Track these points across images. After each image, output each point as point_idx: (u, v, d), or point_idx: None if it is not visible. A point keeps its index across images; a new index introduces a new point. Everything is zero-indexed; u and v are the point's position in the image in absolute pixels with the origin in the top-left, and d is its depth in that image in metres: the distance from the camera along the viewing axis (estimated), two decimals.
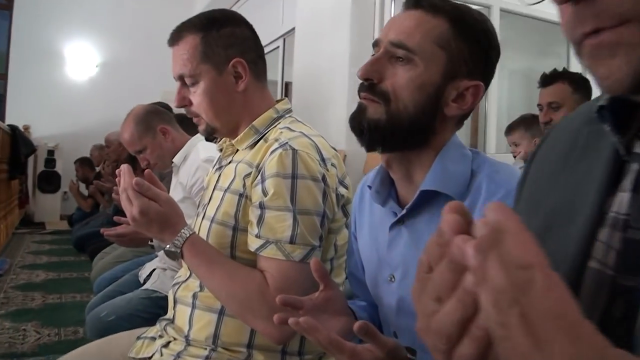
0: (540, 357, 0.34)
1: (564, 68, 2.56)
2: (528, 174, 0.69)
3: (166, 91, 7.40)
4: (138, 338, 1.48)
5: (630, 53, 0.45)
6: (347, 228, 1.34)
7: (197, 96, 1.36)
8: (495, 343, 0.36)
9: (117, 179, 1.27)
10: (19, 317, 3.44)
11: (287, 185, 1.20)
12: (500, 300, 0.35)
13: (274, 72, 6.13)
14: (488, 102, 4.60)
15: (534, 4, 0.71)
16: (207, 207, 1.38)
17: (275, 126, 1.37)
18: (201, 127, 1.41)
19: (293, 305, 0.96)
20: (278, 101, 1.45)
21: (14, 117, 7.14)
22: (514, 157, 3.10)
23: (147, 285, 2.35)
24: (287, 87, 6.35)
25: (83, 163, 7.16)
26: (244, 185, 1.28)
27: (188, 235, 1.23)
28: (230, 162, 1.40)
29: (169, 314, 1.42)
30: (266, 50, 1.64)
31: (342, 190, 1.30)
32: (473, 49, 0.97)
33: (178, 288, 1.40)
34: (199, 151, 2.35)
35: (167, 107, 2.85)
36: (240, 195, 1.28)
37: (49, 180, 7.97)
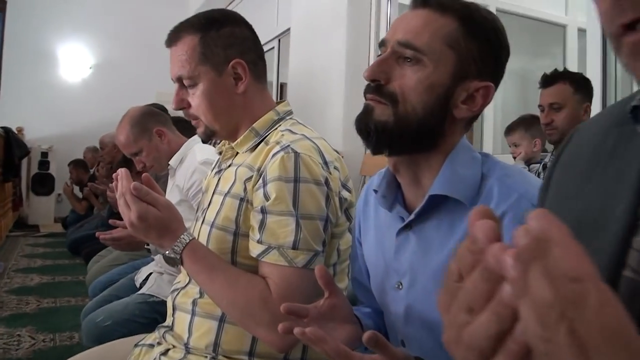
0: None
1: (564, 68, 2.54)
2: (552, 178, 0.66)
3: (160, 92, 7.39)
4: (136, 345, 1.45)
5: None
6: (350, 232, 1.32)
7: (195, 98, 1.33)
8: (536, 359, 0.34)
9: (114, 183, 1.24)
10: (13, 322, 3.40)
11: (290, 189, 1.18)
12: (546, 314, 0.32)
13: (268, 73, 6.04)
14: None
15: None
16: (206, 211, 1.35)
17: (276, 128, 1.34)
18: (200, 130, 1.37)
19: (298, 314, 0.93)
20: (278, 103, 1.42)
21: (7, 119, 7.08)
22: (514, 158, 3.08)
23: (143, 290, 2.32)
24: (282, 88, 6.32)
25: (77, 165, 7.12)
26: (245, 189, 1.25)
27: (188, 241, 1.20)
28: (230, 166, 1.37)
29: (168, 321, 1.38)
30: None
31: (345, 193, 1.28)
32: (483, 49, 0.94)
33: (177, 294, 1.36)
34: (195, 153, 2.32)
35: (162, 109, 2.82)
36: (241, 200, 1.25)
37: (43, 183, 7.94)
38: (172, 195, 2.26)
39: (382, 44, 0.99)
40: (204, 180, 1.59)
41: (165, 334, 1.35)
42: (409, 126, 0.93)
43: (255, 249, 1.20)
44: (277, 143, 1.25)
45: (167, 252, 1.21)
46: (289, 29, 5.19)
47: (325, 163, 1.24)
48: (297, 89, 4.83)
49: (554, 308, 0.32)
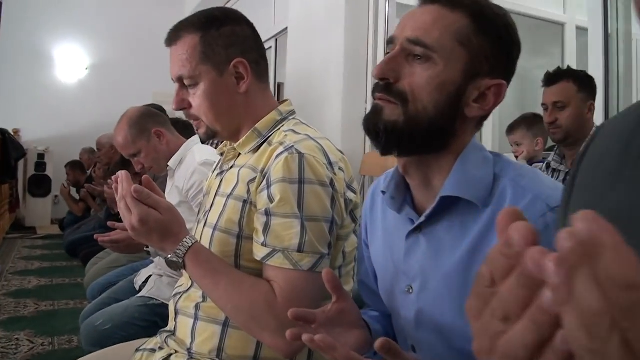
0: None
1: (568, 66, 2.51)
2: (576, 179, 0.64)
3: (157, 93, 7.38)
4: (137, 350, 1.42)
5: None
6: (356, 234, 1.29)
7: (196, 98, 1.30)
8: None
9: (114, 186, 1.21)
10: (11, 326, 3.37)
11: (294, 190, 1.15)
12: (595, 324, 0.30)
13: None
14: None
15: None
16: (208, 213, 1.32)
17: (279, 129, 1.31)
18: (201, 131, 1.35)
19: (305, 320, 0.90)
20: (281, 102, 1.39)
21: (4, 120, 7.05)
22: (516, 157, 3.06)
23: (143, 293, 2.30)
24: (279, 88, 6.30)
25: (74, 166, 7.09)
26: (249, 191, 1.22)
27: (190, 244, 1.17)
28: (232, 167, 1.35)
29: (170, 326, 1.36)
30: None
31: (350, 195, 1.25)
32: (495, 46, 0.92)
33: (179, 298, 1.34)
34: (195, 154, 2.30)
35: (160, 109, 2.80)
36: (245, 202, 1.22)
37: (40, 184, 7.91)
38: (171, 196, 2.24)
39: (390, 41, 0.96)
40: (205, 181, 1.56)
41: (168, 339, 1.32)
42: (420, 126, 0.91)
43: (259, 252, 1.17)
44: (281, 144, 1.22)
45: (169, 255, 1.18)
46: (286, 29, 5.15)
47: (330, 164, 1.21)
48: (295, 89, 4.80)
49: (605, 317, 0.30)
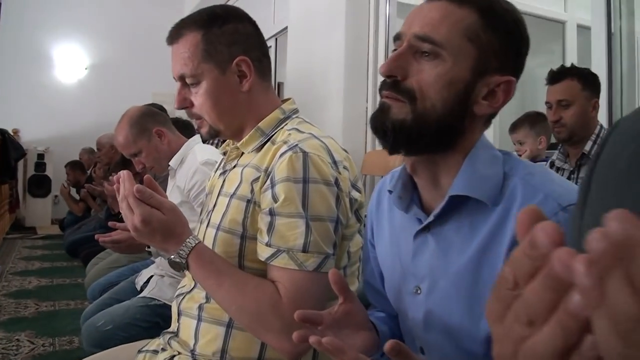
0: None
1: (572, 64, 2.50)
2: (593, 177, 0.62)
3: (156, 93, 7.38)
4: (139, 351, 1.41)
5: None
6: (360, 234, 1.28)
7: (199, 97, 1.28)
8: None
9: (115, 186, 1.20)
10: (12, 327, 3.35)
11: (299, 190, 1.13)
12: (630, 329, 0.29)
13: None
14: None
15: None
16: (211, 213, 1.30)
17: (282, 127, 1.30)
18: (204, 130, 1.33)
19: (312, 322, 0.89)
20: (284, 101, 1.38)
21: (3, 121, 7.02)
22: (519, 156, 3.04)
23: (144, 293, 2.29)
24: (279, 88, 6.28)
25: (74, 166, 7.08)
26: (252, 190, 1.21)
27: (194, 244, 1.16)
28: (235, 166, 1.33)
29: (173, 327, 1.34)
30: None
31: (355, 194, 1.24)
32: (504, 41, 0.90)
33: (182, 299, 1.32)
34: (196, 154, 2.28)
35: (161, 109, 2.78)
36: (248, 202, 1.21)
37: (40, 184, 7.91)
38: (173, 196, 2.22)
39: (397, 37, 0.94)
40: (207, 181, 1.55)
41: (171, 340, 1.31)
42: (428, 124, 0.89)
43: (263, 253, 1.16)
44: (285, 142, 1.21)
45: (172, 256, 1.17)
46: (286, 28, 5.14)
47: (335, 163, 1.20)
48: (295, 89, 4.78)
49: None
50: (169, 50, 1.31)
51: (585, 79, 2.39)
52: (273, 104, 1.34)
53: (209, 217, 1.31)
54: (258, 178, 1.20)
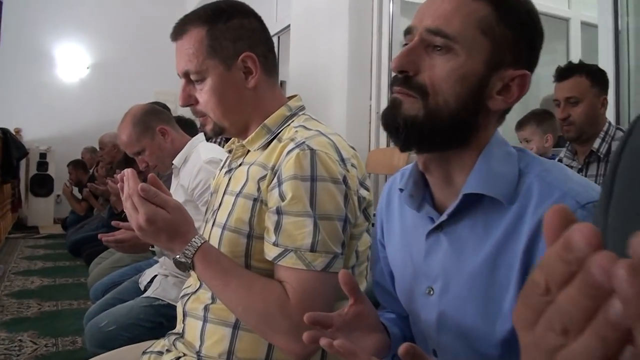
0: None
1: (580, 60, 2.47)
2: (616, 174, 0.60)
3: (159, 92, 7.37)
4: (144, 353, 1.39)
5: None
6: (369, 233, 1.25)
7: (203, 94, 1.26)
8: None
9: (119, 184, 1.18)
10: (14, 327, 3.33)
11: (306, 188, 1.11)
12: None
13: None
14: None
15: None
16: (217, 213, 1.28)
17: (289, 124, 1.27)
18: (209, 127, 1.30)
19: (322, 324, 0.86)
20: (289, 98, 1.35)
21: (5, 120, 7.01)
22: None
23: (148, 293, 2.27)
24: (281, 86, 6.25)
25: (76, 166, 7.07)
26: (259, 189, 1.18)
27: (199, 244, 1.13)
28: (240, 165, 1.31)
29: (178, 328, 1.32)
30: None
31: (363, 192, 1.21)
32: (518, 34, 0.87)
33: (187, 300, 1.30)
34: (200, 152, 2.26)
35: (164, 107, 2.76)
36: (255, 200, 1.18)
37: (42, 184, 7.91)
38: (176, 195, 2.20)
39: (408, 31, 0.92)
40: (211, 179, 1.52)
41: (176, 342, 1.29)
42: (441, 120, 0.86)
43: (271, 252, 1.13)
44: (292, 140, 1.18)
45: (177, 256, 1.14)
46: (288, 26, 5.12)
47: (342, 160, 1.17)
48: (297, 87, 4.75)
49: None
50: (171, 49, 1.29)
51: (594, 75, 2.36)
52: (279, 100, 1.32)
53: (214, 216, 1.29)
54: (265, 176, 1.18)
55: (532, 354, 0.35)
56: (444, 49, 0.86)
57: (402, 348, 0.71)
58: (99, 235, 2.01)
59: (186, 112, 4.00)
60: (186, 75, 1.27)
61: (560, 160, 2.53)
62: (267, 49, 1.31)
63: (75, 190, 6.98)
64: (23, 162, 7.49)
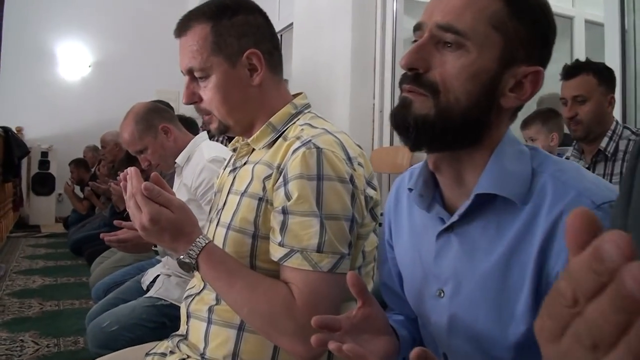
0: None
1: (587, 58, 2.44)
2: (635, 174, 0.58)
3: (160, 90, 7.36)
4: (147, 354, 1.37)
5: None
6: (375, 233, 1.23)
7: (208, 91, 1.24)
8: None
9: (122, 183, 1.15)
10: (16, 327, 3.31)
11: (313, 187, 1.09)
12: None
13: None
14: None
15: None
16: (221, 212, 1.26)
17: (294, 123, 1.25)
18: (213, 126, 1.28)
19: (330, 327, 0.84)
20: (295, 95, 1.33)
21: (6, 118, 7.00)
22: None
23: (151, 293, 2.25)
24: None
25: (78, 164, 7.07)
26: (264, 188, 1.16)
27: (204, 244, 1.11)
28: (245, 163, 1.29)
29: (182, 329, 1.30)
30: None
31: (370, 191, 1.19)
32: (530, 29, 0.85)
33: (191, 301, 1.28)
34: (203, 151, 2.24)
35: (167, 106, 2.74)
36: (260, 200, 1.16)
37: (43, 183, 7.92)
38: (179, 194, 2.17)
39: (417, 27, 0.89)
40: (214, 178, 1.50)
41: (180, 343, 1.27)
42: (452, 119, 0.84)
43: (276, 253, 1.11)
44: (297, 138, 1.16)
45: (181, 256, 1.12)
46: (291, 24, 5.09)
47: (349, 159, 1.15)
48: (300, 86, 4.71)
49: None
50: (173, 48, 1.27)
51: (601, 73, 2.34)
52: (284, 98, 1.30)
53: (218, 216, 1.27)
54: (270, 175, 1.16)
55: None
56: (455, 45, 0.83)
57: (414, 353, 0.69)
58: (101, 235, 1.99)
59: (187, 111, 4.00)
60: (190, 72, 1.25)
61: (567, 159, 2.51)
62: (273, 46, 1.29)
63: (77, 189, 6.97)
64: (25, 161, 7.50)
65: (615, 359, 0.29)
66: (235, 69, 1.23)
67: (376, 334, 0.90)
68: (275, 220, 1.12)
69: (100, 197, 5.94)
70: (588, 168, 2.42)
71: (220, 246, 1.18)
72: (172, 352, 1.29)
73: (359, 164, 1.18)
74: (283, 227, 1.10)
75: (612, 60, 2.74)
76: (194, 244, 1.11)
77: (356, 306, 0.89)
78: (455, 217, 0.89)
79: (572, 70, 2.38)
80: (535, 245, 0.80)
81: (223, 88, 1.23)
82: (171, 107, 2.77)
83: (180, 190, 2.22)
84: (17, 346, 2.99)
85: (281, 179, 1.13)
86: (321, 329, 0.83)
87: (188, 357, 1.24)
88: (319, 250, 1.08)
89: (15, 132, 7.10)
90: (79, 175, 6.97)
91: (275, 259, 1.12)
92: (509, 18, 0.84)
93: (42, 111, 8.03)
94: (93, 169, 6.80)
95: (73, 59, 8.42)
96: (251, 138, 1.26)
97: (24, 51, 7.98)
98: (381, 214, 1.21)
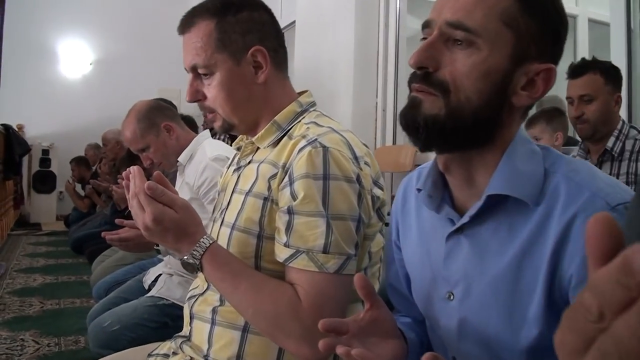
0: None
1: (593, 57, 2.42)
2: None
3: (162, 89, 7.34)
4: (149, 355, 1.35)
5: None
6: (382, 233, 1.21)
7: (212, 89, 1.22)
8: None
9: (124, 182, 1.14)
10: (16, 326, 3.29)
11: (319, 187, 1.07)
12: None
13: None
14: None
15: None
16: (225, 212, 1.24)
17: (300, 121, 1.23)
18: (217, 124, 1.26)
19: (337, 331, 0.82)
20: (300, 93, 1.31)
21: (8, 116, 7.00)
22: None
23: (152, 292, 2.23)
24: None
25: (79, 162, 7.06)
26: (269, 187, 1.14)
27: (208, 244, 1.09)
28: (250, 162, 1.27)
29: (185, 330, 1.28)
30: None
31: (377, 191, 1.17)
32: (542, 26, 0.82)
33: (194, 302, 1.26)
34: (205, 149, 2.22)
35: (169, 104, 2.72)
36: (265, 199, 1.14)
37: (44, 180, 7.91)
38: (181, 193, 2.15)
39: (426, 25, 0.87)
40: (217, 177, 1.48)
41: (183, 345, 1.25)
42: (463, 119, 0.82)
43: (282, 253, 1.09)
44: (303, 137, 1.14)
45: (185, 257, 1.10)
46: (293, 22, 5.08)
47: (356, 158, 1.13)
48: (302, 85, 4.67)
49: None
50: (175, 46, 1.25)
51: (608, 72, 2.32)
52: (289, 96, 1.28)
53: (222, 215, 1.25)
54: (275, 175, 1.14)
55: None
56: (465, 43, 0.81)
57: (425, 358, 0.67)
58: (103, 234, 1.97)
59: (187, 110, 3.98)
60: (194, 69, 1.23)
61: None
62: (278, 43, 1.27)
63: (78, 187, 6.97)
64: (25, 159, 7.49)
65: None
66: (240, 66, 1.21)
67: (384, 337, 0.88)
68: (281, 221, 1.10)
69: (101, 195, 5.94)
70: None
71: (225, 246, 1.16)
72: (174, 354, 1.28)
73: (366, 163, 1.16)
74: (288, 227, 1.09)
75: (618, 59, 2.72)
76: (197, 245, 1.09)
77: (363, 308, 0.88)
78: (465, 219, 0.87)
79: (578, 69, 2.36)
80: (548, 247, 0.78)
81: (227, 85, 1.21)
82: (173, 105, 2.75)
83: (183, 189, 2.20)
84: (17, 345, 2.97)
85: (287, 178, 1.11)
86: (328, 332, 0.81)
87: (191, 358, 1.22)
88: (325, 251, 1.06)
89: (17, 129, 7.10)
90: (80, 173, 6.96)
91: (281, 260, 1.10)
92: (520, 14, 0.81)
93: (43, 109, 8.02)
94: (94, 167, 6.79)
95: (74, 56, 8.41)
96: (256, 136, 1.24)
97: (26, 49, 7.97)
98: (387, 214, 1.19)
